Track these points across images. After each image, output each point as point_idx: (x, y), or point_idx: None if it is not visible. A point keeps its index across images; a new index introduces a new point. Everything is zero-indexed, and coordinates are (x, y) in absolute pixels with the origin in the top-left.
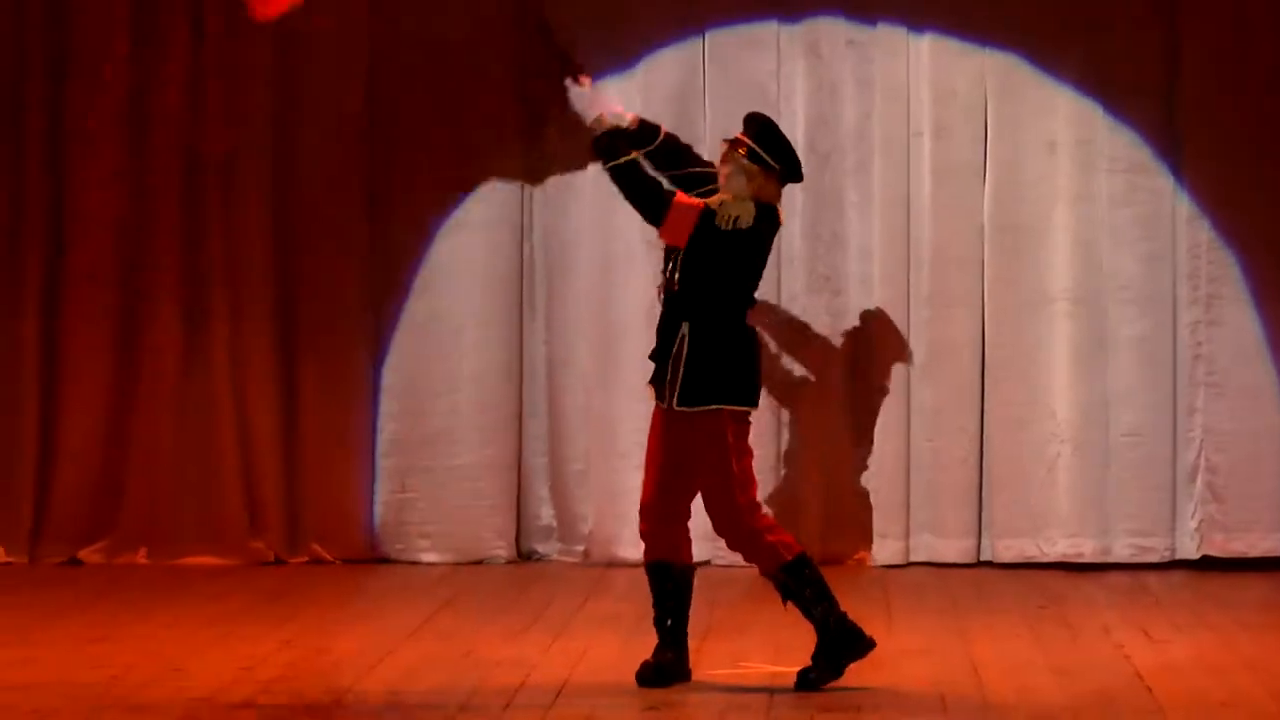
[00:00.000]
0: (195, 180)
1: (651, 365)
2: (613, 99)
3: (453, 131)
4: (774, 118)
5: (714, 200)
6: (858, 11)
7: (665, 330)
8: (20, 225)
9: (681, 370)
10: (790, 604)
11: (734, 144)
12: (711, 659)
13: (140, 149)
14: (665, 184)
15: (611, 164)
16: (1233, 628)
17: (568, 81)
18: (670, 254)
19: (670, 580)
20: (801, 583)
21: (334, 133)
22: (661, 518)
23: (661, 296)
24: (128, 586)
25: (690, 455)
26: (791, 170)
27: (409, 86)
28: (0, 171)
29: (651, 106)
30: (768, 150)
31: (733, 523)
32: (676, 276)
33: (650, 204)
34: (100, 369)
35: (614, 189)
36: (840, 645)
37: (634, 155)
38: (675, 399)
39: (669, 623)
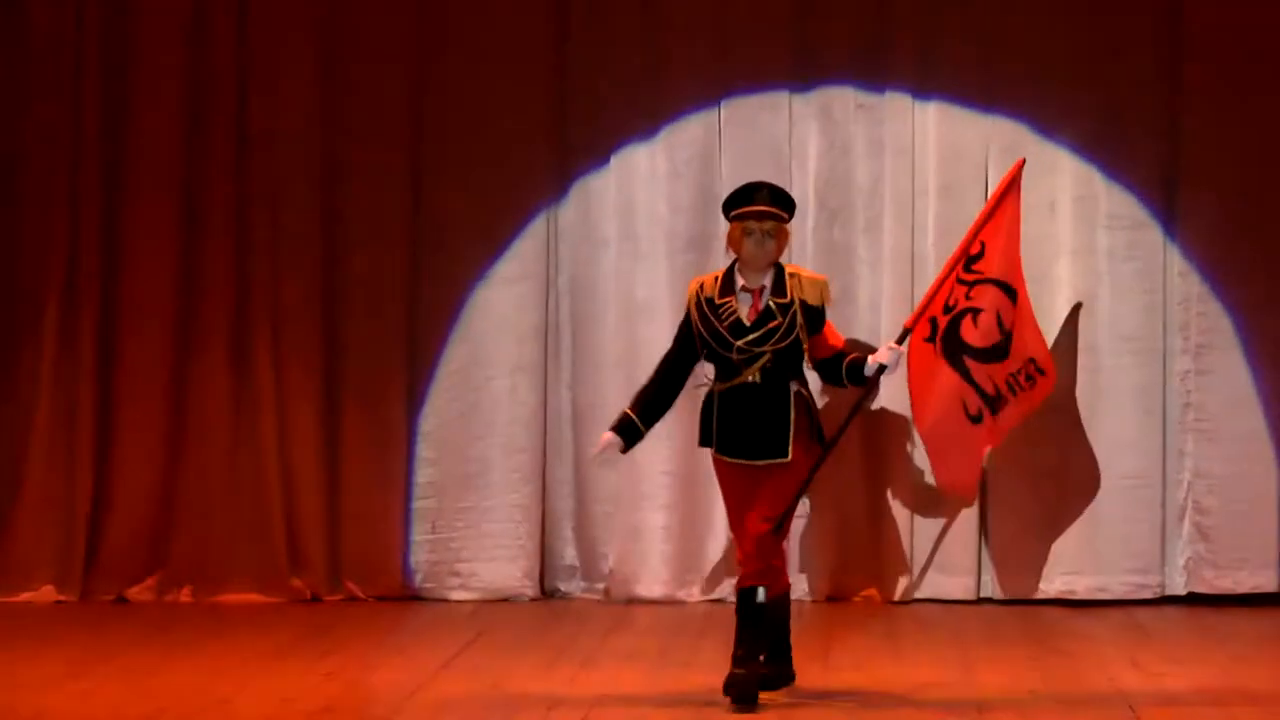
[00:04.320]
0: (244, 236)
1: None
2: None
3: (492, 190)
4: (788, 177)
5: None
6: (866, 80)
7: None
8: (76, 278)
9: None
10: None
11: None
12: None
13: (191, 214)
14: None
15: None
16: (1227, 661)
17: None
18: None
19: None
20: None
21: (379, 191)
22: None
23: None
24: (174, 624)
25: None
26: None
27: (452, 148)
28: (57, 227)
29: (674, 167)
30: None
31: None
32: None
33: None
34: (152, 417)
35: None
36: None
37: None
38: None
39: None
